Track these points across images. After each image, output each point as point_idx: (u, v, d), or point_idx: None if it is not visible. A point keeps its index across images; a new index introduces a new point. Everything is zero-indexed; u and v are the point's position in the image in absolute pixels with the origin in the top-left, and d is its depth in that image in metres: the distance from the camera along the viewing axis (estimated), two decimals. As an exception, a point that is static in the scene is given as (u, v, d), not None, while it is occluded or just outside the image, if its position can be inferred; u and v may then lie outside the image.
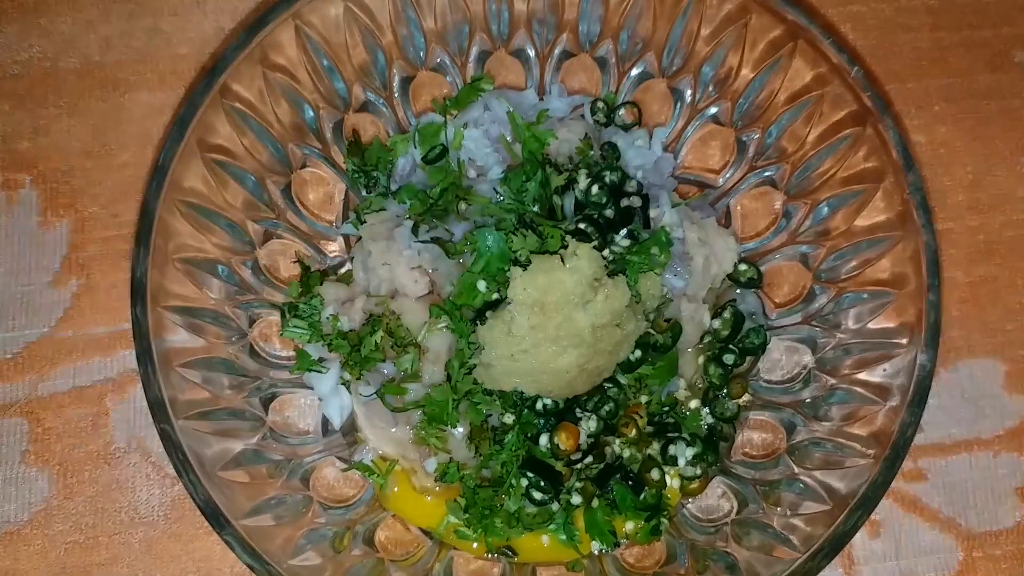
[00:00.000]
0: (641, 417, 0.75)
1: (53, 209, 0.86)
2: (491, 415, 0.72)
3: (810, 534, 0.66)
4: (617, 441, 0.74)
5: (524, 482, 0.71)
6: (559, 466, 0.72)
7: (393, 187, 0.81)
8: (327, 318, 0.76)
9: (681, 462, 0.73)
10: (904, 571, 0.79)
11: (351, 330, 0.75)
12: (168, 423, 0.65)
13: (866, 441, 0.69)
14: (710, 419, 0.76)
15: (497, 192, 0.75)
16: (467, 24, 0.81)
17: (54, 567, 0.79)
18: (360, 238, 0.79)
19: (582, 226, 0.71)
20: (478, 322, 0.69)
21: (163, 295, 0.69)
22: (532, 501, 0.71)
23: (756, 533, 0.71)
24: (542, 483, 0.71)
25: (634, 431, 0.73)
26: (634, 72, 0.83)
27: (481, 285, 0.70)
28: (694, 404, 0.77)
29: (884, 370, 0.70)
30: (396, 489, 0.76)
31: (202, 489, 0.64)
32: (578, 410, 0.73)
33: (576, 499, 0.73)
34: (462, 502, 0.73)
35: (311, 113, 0.78)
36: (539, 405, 0.72)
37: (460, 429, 0.72)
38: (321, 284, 0.78)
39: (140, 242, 0.67)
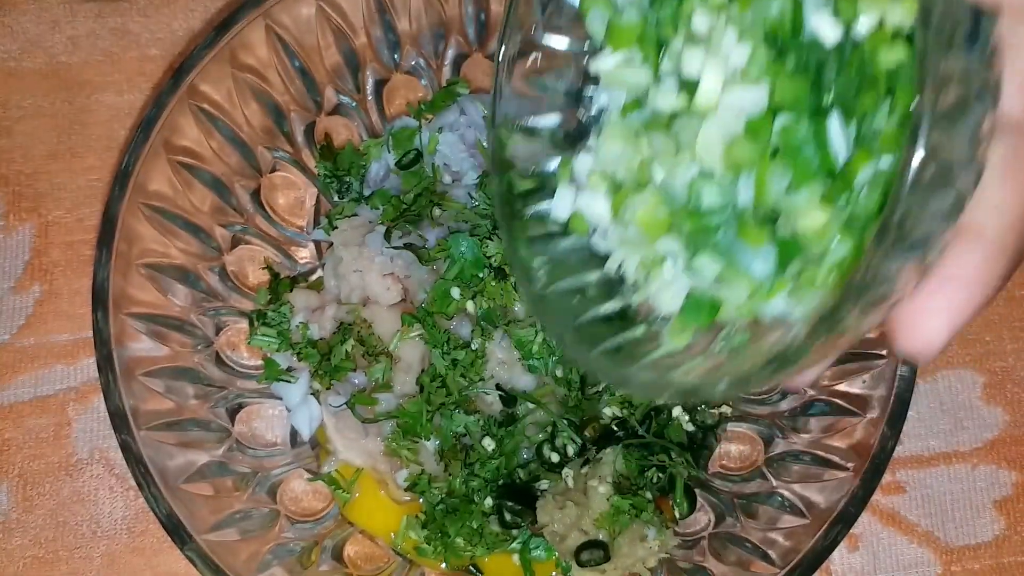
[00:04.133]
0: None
1: (16, 213, 0.84)
2: (465, 435, 0.70)
3: (789, 549, 0.65)
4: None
5: (489, 502, 0.70)
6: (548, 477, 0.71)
7: (366, 192, 0.80)
8: (296, 326, 0.75)
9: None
10: (883, 585, 0.78)
11: (321, 339, 0.74)
12: (129, 434, 0.64)
13: (845, 454, 0.68)
14: (691, 427, 0.75)
15: (472, 197, 0.74)
16: (442, 27, 0.80)
17: (12, 583, 0.77)
18: (331, 244, 0.77)
19: None
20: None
21: (126, 301, 0.67)
22: (503, 524, 0.70)
23: (734, 548, 0.70)
24: (516, 507, 0.69)
25: None
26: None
27: (455, 292, 0.69)
28: (676, 412, 0.76)
29: (863, 381, 0.69)
30: (357, 495, 0.74)
31: (164, 503, 0.63)
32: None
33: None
34: (422, 518, 0.71)
35: (282, 116, 0.77)
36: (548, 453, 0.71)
37: (433, 441, 0.71)
38: (291, 291, 0.76)
39: (102, 246, 0.66)
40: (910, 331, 0.37)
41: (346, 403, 0.72)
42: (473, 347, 0.70)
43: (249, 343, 0.76)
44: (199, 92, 0.70)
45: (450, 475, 0.70)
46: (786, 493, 0.70)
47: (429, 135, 0.78)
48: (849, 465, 0.67)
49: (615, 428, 0.72)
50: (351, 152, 0.80)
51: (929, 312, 0.37)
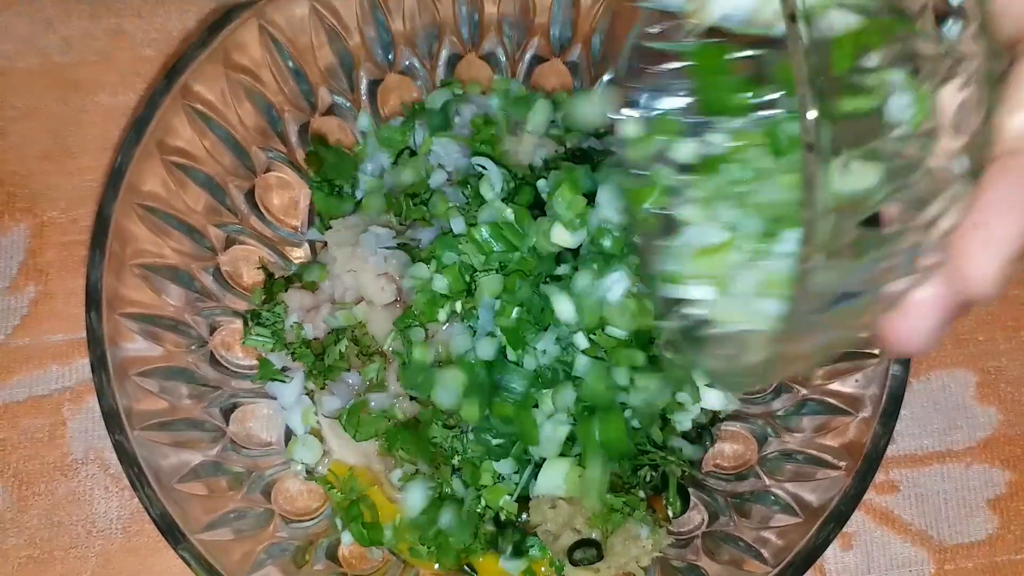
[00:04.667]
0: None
1: (10, 213, 0.84)
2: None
3: (781, 547, 0.65)
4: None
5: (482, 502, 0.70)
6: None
7: (358, 195, 0.80)
8: (291, 326, 0.75)
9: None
10: (876, 584, 0.79)
11: (315, 338, 0.74)
12: (123, 434, 0.63)
13: (838, 453, 0.68)
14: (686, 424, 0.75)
15: (464, 196, 0.74)
16: (436, 27, 0.79)
17: (6, 583, 0.77)
18: (325, 244, 0.77)
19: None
20: None
21: (120, 302, 0.67)
22: (497, 524, 0.70)
23: (727, 546, 0.70)
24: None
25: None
26: (607, 77, 0.81)
27: (439, 283, 0.68)
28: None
29: (856, 380, 0.69)
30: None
31: (157, 502, 0.63)
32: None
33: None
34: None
35: (275, 116, 0.77)
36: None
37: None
38: (285, 291, 0.76)
39: (95, 247, 0.65)
40: (961, 272, 0.37)
41: (339, 421, 0.72)
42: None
43: (244, 343, 0.76)
44: (192, 92, 0.70)
45: (439, 480, 0.70)
46: (779, 492, 0.70)
47: (423, 135, 0.78)
48: (842, 464, 0.67)
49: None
50: (339, 154, 0.79)
51: (975, 248, 0.36)
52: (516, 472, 0.69)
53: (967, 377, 0.83)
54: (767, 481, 0.72)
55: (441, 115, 0.78)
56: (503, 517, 0.70)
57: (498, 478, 0.69)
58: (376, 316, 0.73)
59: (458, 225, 0.70)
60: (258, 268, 0.78)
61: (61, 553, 0.77)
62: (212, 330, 0.75)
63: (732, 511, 0.72)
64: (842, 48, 0.34)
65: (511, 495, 0.69)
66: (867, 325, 0.40)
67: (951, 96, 0.35)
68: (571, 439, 0.67)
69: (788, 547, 0.65)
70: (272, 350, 0.75)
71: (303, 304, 0.75)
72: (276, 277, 0.78)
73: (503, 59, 0.83)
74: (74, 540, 0.78)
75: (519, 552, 0.70)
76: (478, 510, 0.70)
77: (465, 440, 0.68)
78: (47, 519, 0.78)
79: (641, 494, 0.68)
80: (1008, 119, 0.36)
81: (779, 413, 0.74)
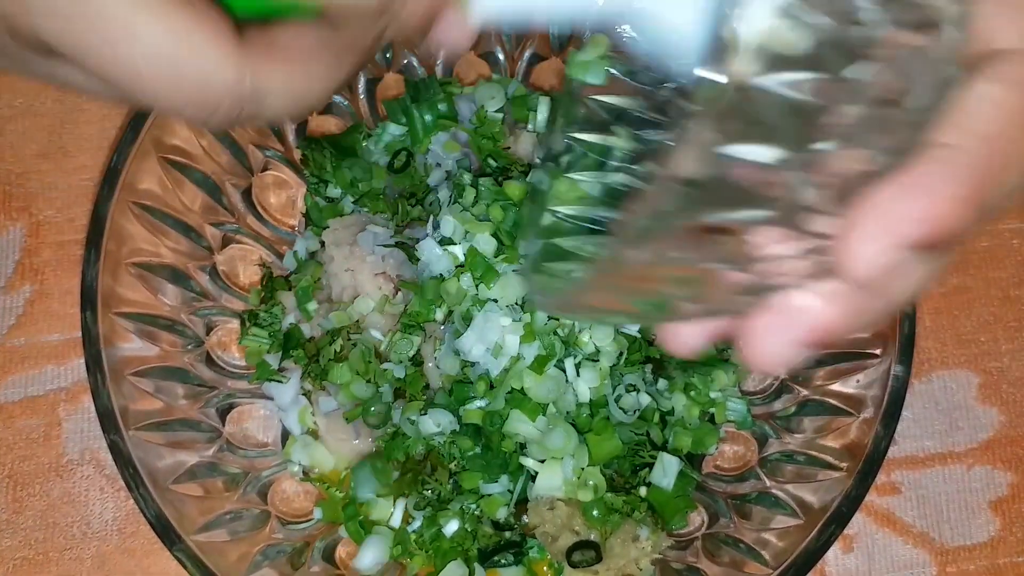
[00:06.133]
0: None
1: (7, 212, 0.84)
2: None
3: (782, 549, 0.65)
4: None
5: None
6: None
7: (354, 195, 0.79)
8: (288, 326, 0.74)
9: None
10: (877, 586, 0.78)
11: (311, 338, 0.73)
12: (118, 434, 0.63)
13: (839, 454, 0.68)
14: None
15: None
16: (435, 25, 0.79)
17: (1, 584, 0.76)
18: (323, 243, 0.77)
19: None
20: None
21: (115, 301, 0.67)
22: (496, 526, 0.69)
23: (727, 548, 0.69)
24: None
25: None
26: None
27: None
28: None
29: (857, 381, 0.69)
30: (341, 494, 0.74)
31: (153, 503, 0.62)
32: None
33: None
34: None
35: (273, 114, 0.76)
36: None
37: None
38: (287, 290, 0.76)
39: (91, 245, 0.65)
40: (841, 244, 0.31)
41: (343, 415, 0.71)
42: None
43: (240, 343, 0.75)
44: (190, 91, 0.69)
45: (437, 480, 0.69)
46: (780, 493, 0.70)
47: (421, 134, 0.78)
48: (843, 465, 0.66)
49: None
50: (336, 145, 0.79)
51: (867, 226, 0.31)
52: (511, 483, 0.69)
53: (969, 378, 0.83)
54: (768, 482, 0.71)
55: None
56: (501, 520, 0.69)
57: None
58: (374, 316, 0.72)
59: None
60: (259, 265, 0.78)
61: (56, 555, 0.77)
62: (208, 330, 0.75)
63: (732, 512, 0.71)
64: None
65: (508, 505, 0.68)
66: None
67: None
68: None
69: (789, 549, 0.64)
70: (269, 350, 0.75)
71: (300, 304, 0.75)
72: (273, 277, 0.77)
73: (502, 58, 0.82)
74: (69, 541, 0.77)
75: (517, 560, 0.69)
76: (476, 513, 0.69)
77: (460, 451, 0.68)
78: (42, 520, 0.77)
79: (641, 494, 0.67)
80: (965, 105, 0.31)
81: (780, 414, 0.74)
